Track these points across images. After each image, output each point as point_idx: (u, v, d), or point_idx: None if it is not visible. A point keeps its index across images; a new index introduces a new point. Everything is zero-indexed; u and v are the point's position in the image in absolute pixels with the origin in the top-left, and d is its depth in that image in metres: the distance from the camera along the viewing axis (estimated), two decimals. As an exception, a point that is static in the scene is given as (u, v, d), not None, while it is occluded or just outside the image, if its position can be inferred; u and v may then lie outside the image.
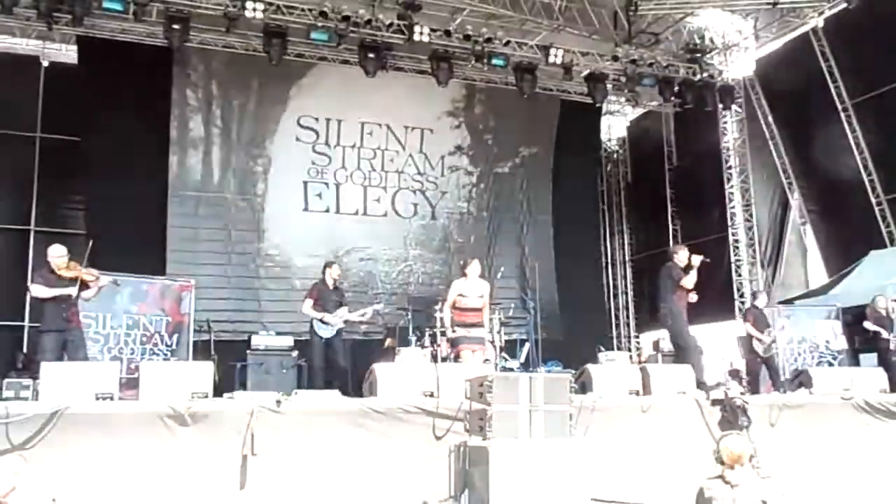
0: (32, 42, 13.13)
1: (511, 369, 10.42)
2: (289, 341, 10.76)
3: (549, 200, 15.17)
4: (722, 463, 4.70)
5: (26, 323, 12.59)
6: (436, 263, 14.17)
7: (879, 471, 7.47)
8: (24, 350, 11.96)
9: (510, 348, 10.90)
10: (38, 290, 7.39)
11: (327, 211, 13.68)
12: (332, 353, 9.01)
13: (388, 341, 11.43)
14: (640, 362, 12.08)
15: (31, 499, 4.54)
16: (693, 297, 8.48)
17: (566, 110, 15.25)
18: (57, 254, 7.53)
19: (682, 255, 8.49)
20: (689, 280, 8.36)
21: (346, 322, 9.13)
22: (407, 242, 14.16)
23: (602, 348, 12.13)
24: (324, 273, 9.47)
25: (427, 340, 10.45)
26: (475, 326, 8.83)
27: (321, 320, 9.00)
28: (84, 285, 7.55)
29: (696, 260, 8.38)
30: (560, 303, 14.48)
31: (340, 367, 8.91)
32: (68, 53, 13.16)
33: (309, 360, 9.26)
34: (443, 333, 9.84)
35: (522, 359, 11.14)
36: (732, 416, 5.87)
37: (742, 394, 6.85)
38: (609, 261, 17.77)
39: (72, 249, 7.69)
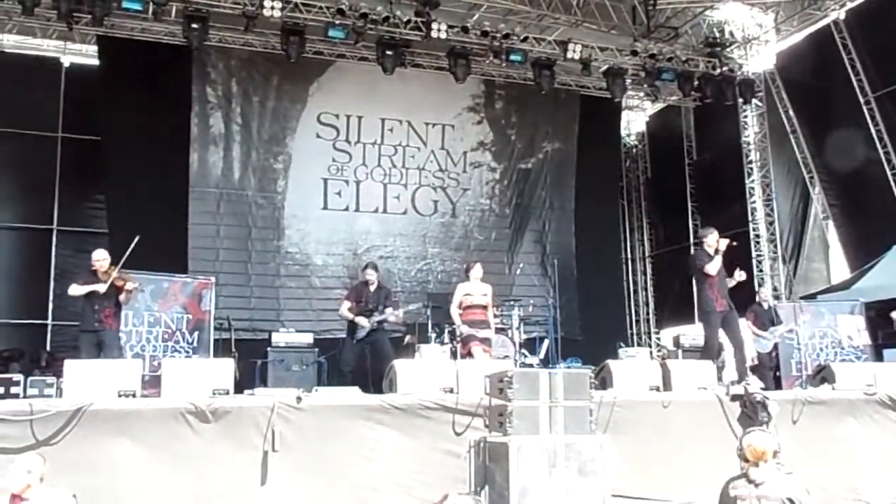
0: (53, 42, 13.33)
1: (531, 365, 10.46)
2: (308, 338, 10.86)
3: (573, 197, 15.13)
4: (746, 460, 4.65)
5: (49, 321, 12.76)
6: (455, 262, 14.13)
7: (904, 467, 7.38)
8: (48, 348, 12.09)
9: (529, 345, 10.93)
10: (71, 289, 7.93)
11: (346, 209, 13.68)
12: (373, 349, 9.06)
13: (407, 338, 11.47)
14: (661, 359, 12.03)
15: (52, 495, 4.59)
16: (740, 276, 8.33)
17: (585, 106, 15.20)
18: (99, 257, 8.01)
19: (710, 239, 8.36)
20: (713, 266, 8.25)
21: (380, 322, 9.12)
22: (426, 240, 14.14)
23: (622, 344, 12.11)
24: (362, 273, 9.60)
25: (446, 337, 10.48)
26: (482, 325, 9.01)
27: (353, 321, 9.11)
28: (119, 290, 7.93)
29: (722, 244, 8.27)
30: (580, 300, 14.43)
31: (388, 358, 8.65)
32: (89, 53, 13.27)
33: (339, 358, 9.38)
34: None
35: (542, 355, 11.17)
36: (752, 412, 5.81)
37: (763, 388, 6.79)
38: (629, 257, 17.69)
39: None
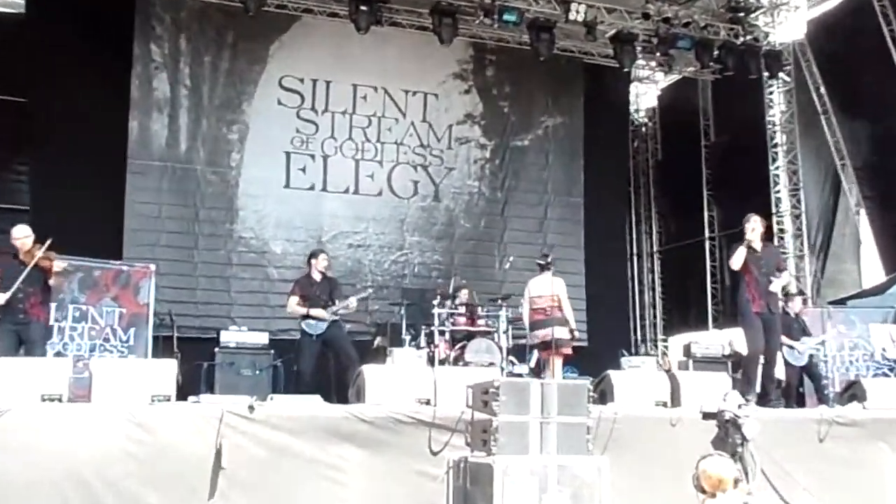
0: (-28, -13, 13.12)
1: (520, 375, 10.46)
2: (263, 338, 10.81)
3: (581, 179, 15.20)
4: (702, 491, 4.66)
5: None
6: (436, 252, 14.18)
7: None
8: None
9: (519, 351, 10.99)
10: None
11: (311, 188, 13.65)
12: (332, 349, 9.41)
13: (377, 340, 11.50)
14: (668, 369, 12.08)
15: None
16: (779, 278, 8.26)
17: (588, 76, 15.28)
18: (20, 234, 7.70)
19: (746, 227, 8.32)
20: (736, 259, 8.23)
21: (336, 314, 9.37)
22: (404, 227, 14.13)
23: (625, 352, 12.16)
24: (308, 264, 9.76)
25: (423, 340, 10.60)
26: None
27: (307, 315, 9.27)
28: (46, 272, 7.66)
29: (755, 237, 8.24)
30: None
31: (348, 358, 9.19)
32: (13, 2, 13.09)
33: (296, 362, 9.50)
34: (441, 332, 10.36)
35: (533, 363, 11.06)
36: (724, 433, 5.84)
37: (743, 405, 6.84)
38: (634, 252, 17.74)
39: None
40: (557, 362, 9.82)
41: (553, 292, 9.88)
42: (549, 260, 10.18)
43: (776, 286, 8.33)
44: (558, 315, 9.86)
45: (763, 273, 8.27)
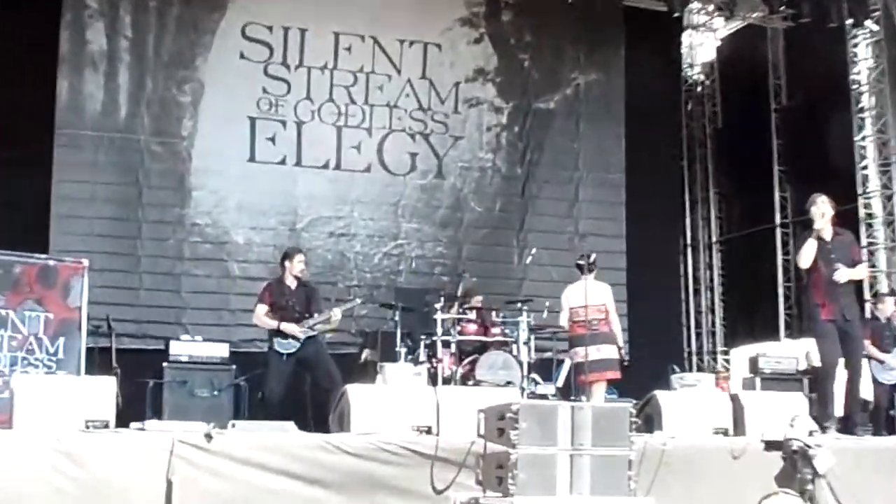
0: None
1: (545, 396, 10.62)
2: (222, 350, 10.92)
3: (622, 151, 15.25)
4: None
5: None
6: (439, 243, 14.23)
7: None
8: None
9: (544, 367, 11.11)
10: None
11: (283, 162, 13.68)
12: (308, 369, 9.67)
13: (365, 354, 11.62)
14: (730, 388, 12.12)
15: None
16: (852, 273, 8.23)
17: (631, 22, 15.31)
18: None
19: (813, 212, 8.29)
20: (804, 255, 8.21)
21: (312, 329, 9.54)
22: (399, 211, 14.16)
23: (676, 368, 12.24)
24: (282, 267, 9.90)
25: (422, 353, 10.76)
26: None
27: (278, 331, 9.45)
28: None
29: (826, 229, 8.21)
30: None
31: (329, 379, 9.36)
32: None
33: (263, 383, 9.70)
34: (446, 343, 10.48)
35: (561, 381, 11.31)
36: (791, 466, 5.85)
37: (816, 432, 6.87)
38: (688, 243, 17.68)
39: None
40: (600, 388, 9.97)
41: (600, 301, 10.02)
42: (591, 261, 10.29)
43: (841, 276, 8.20)
44: (605, 330, 10.01)
45: (834, 270, 8.23)
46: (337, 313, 9.72)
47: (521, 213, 14.76)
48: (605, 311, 10.06)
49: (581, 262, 10.34)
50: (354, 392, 7.34)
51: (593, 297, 9.96)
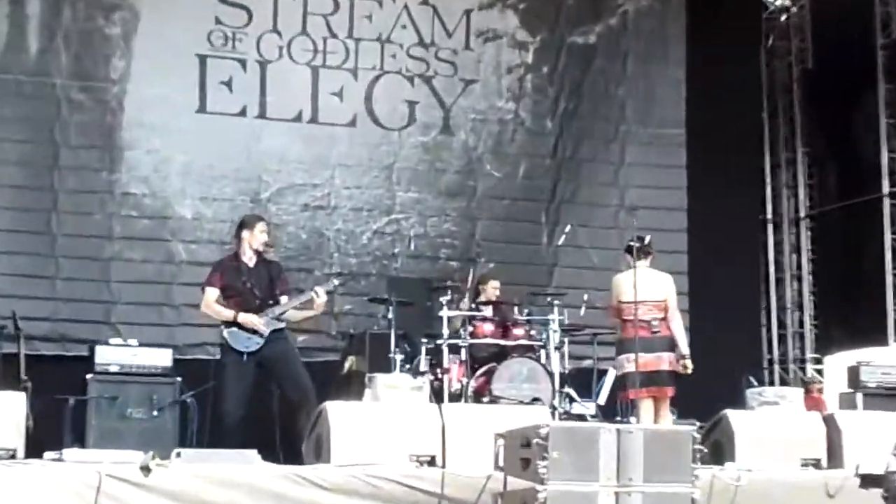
0: None
1: (583, 417, 10.76)
2: (164, 357, 10.96)
3: (682, 99, 15.26)
4: None
5: None
6: (446, 218, 14.21)
7: None
8: None
9: (581, 378, 11.23)
10: None
11: (242, 114, 13.66)
12: (274, 376, 9.66)
13: (349, 362, 11.61)
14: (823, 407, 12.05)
15: None
16: None
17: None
18: None
19: None
20: None
21: (280, 320, 9.53)
22: (394, 177, 14.15)
23: (753, 380, 12.19)
24: (238, 239, 9.86)
25: (423, 361, 10.79)
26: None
27: (234, 323, 9.36)
28: None
29: None
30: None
31: (300, 391, 9.42)
32: None
33: (216, 397, 9.69)
34: (454, 348, 10.63)
35: (603, 398, 11.41)
36: None
37: None
38: (770, 218, 17.56)
39: None
40: (657, 407, 9.94)
41: (658, 296, 10.02)
42: (646, 243, 10.25)
43: None
44: (664, 334, 10.00)
45: None
46: (320, 294, 9.64)
47: (551, 179, 14.71)
48: (664, 309, 10.02)
49: (632, 245, 10.20)
50: (335, 411, 7.41)
51: (649, 291, 9.93)
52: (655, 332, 9.92)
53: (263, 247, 9.80)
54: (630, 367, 9.82)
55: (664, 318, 10.00)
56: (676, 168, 15.15)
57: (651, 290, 9.95)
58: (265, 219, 10.35)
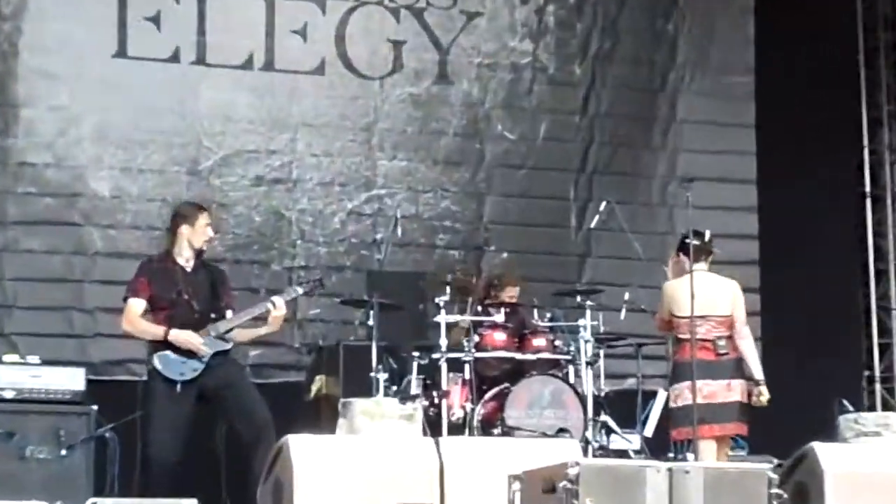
0: None
1: (624, 453, 10.87)
2: (74, 380, 10.83)
3: (750, 37, 15.24)
4: None
5: None
6: (444, 194, 14.20)
7: None
8: None
9: (622, 403, 11.26)
10: None
11: (175, 59, 13.66)
12: (220, 407, 9.63)
13: (317, 383, 11.65)
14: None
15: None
16: None
17: None
18: None
19: None
20: None
21: (225, 338, 9.47)
22: (374, 140, 14.15)
23: (847, 405, 12.07)
24: (174, 231, 9.74)
25: (414, 381, 10.74)
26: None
27: (164, 343, 9.32)
28: None
29: None
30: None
31: (252, 424, 9.36)
32: None
33: (143, 432, 9.62)
34: (455, 364, 10.65)
35: (651, 428, 11.49)
36: None
37: None
38: (868, 191, 17.45)
39: None
40: (719, 445, 9.90)
41: (725, 311, 9.96)
42: (707, 241, 10.14)
43: None
44: (734, 355, 9.93)
45: None
46: (278, 305, 9.57)
47: (581, 141, 14.69)
48: (729, 325, 9.94)
49: (688, 243, 10.14)
50: (299, 448, 7.29)
51: (713, 304, 9.89)
52: (722, 355, 9.87)
53: (207, 245, 9.73)
54: (686, 399, 9.78)
55: (731, 336, 9.94)
56: (743, 127, 15.17)
57: (715, 302, 9.92)
58: (208, 207, 10.17)
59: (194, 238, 9.57)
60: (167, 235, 9.88)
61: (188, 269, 9.57)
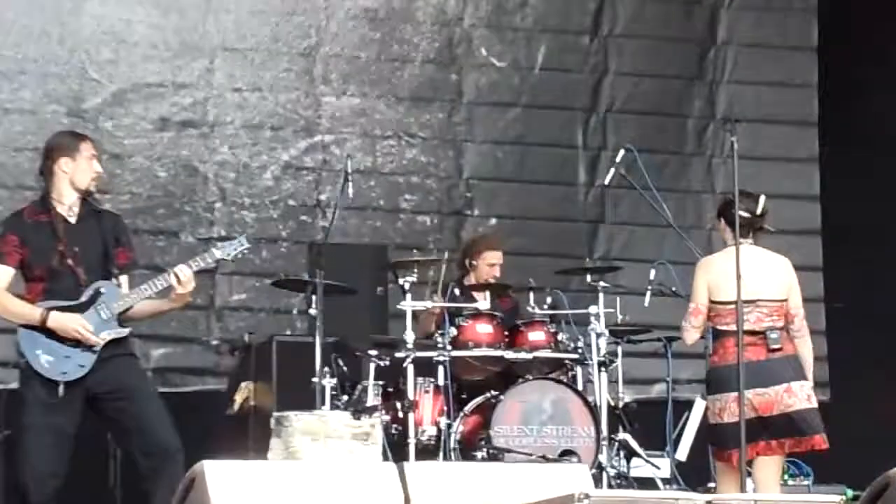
0: None
1: (650, 482, 10.92)
2: None
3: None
4: None
5: None
6: (410, 141, 14.22)
7: None
8: None
9: (647, 418, 11.15)
10: None
11: None
12: (112, 419, 9.24)
13: (242, 392, 11.58)
14: None
15: None
16: None
17: None
18: None
19: None
20: None
21: (120, 321, 9.13)
22: (316, 68, 14.23)
23: None
24: (48, 170, 9.39)
25: (371, 388, 10.55)
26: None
27: (41, 328, 8.96)
28: None
29: None
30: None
31: (153, 444, 9.01)
32: None
33: (18, 453, 9.36)
34: (426, 366, 10.55)
35: (685, 450, 11.51)
36: None
37: None
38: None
39: None
40: (776, 467, 9.73)
41: (780, 294, 9.76)
42: (760, 212, 9.92)
43: None
44: (791, 351, 9.71)
45: None
46: (183, 275, 9.14)
47: (591, 71, 14.66)
48: (784, 313, 9.72)
49: (743, 213, 9.83)
50: (218, 477, 7.03)
51: (764, 285, 9.72)
52: (776, 350, 9.63)
53: (94, 185, 9.34)
54: (731, 413, 9.57)
55: (783, 328, 9.71)
56: (804, 50, 15.19)
57: (767, 283, 9.72)
58: (90, 138, 9.71)
59: (77, 176, 9.16)
60: (42, 180, 9.39)
61: (72, 221, 9.13)
